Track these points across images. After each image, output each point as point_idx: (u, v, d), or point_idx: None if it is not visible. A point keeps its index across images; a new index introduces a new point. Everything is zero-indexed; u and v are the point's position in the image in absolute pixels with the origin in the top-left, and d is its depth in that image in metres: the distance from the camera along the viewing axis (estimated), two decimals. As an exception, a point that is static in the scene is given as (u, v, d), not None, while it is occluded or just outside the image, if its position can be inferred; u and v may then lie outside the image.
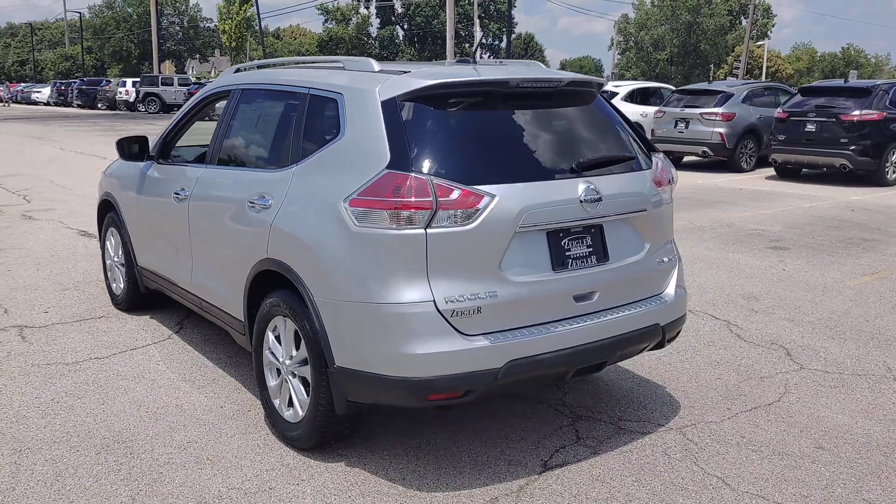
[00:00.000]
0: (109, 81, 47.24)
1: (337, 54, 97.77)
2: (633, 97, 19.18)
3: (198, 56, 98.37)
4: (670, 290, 3.94)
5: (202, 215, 4.47)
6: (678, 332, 4.07)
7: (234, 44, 47.49)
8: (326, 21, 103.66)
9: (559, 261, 3.45)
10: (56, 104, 51.36)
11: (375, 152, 3.30)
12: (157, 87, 41.28)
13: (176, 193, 4.73)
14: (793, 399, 4.45)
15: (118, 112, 41.90)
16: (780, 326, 5.76)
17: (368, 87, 3.50)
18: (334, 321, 3.35)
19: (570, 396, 4.43)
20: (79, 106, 46.81)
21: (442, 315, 3.18)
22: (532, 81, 3.60)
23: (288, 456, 3.70)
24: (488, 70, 3.76)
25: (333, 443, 3.72)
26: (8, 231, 9.05)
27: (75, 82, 50.91)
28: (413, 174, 3.18)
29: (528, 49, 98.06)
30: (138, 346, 5.18)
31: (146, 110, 40.59)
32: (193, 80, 46.65)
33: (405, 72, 3.54)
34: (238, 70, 4.88)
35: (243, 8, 46.09)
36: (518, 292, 3.32)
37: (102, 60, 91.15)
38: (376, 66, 3.68)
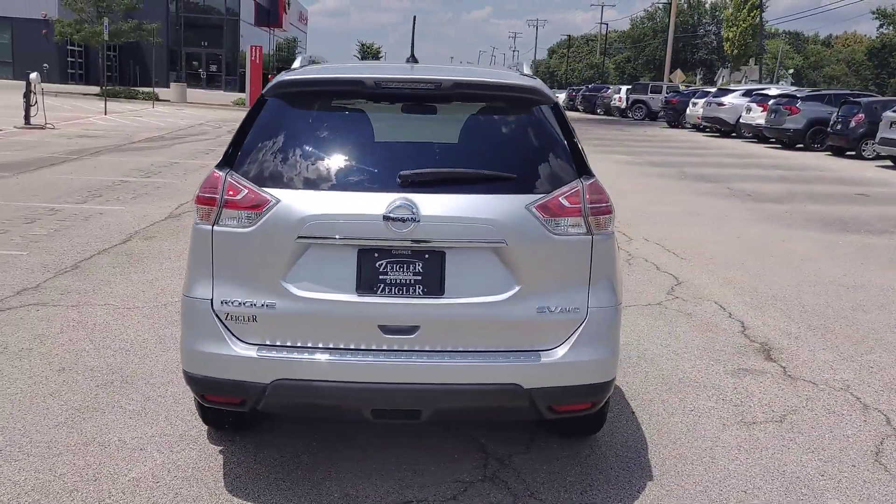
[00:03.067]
0: (608, 88, 49.73)
1: (889, 63, 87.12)
2: None
3: (729, 65, 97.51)
4: (560, 348, 3.11)
5: None
6: (584, 406, 3.24)
7: (735, 52, 46.00)
8: (882, 26, 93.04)
9: (366, 284, 3.05)
10: (566, 108, 56.71)
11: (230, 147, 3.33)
12: (646, 94, 42.18)
13: None
14: (801, 547, 3.10)
15: (611, 118, 43.98)
16: (976, 457, 3.90)
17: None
18: None
19: (522, 456, 3.75)
20: (581, 110, 50.44)
21: (217, 316, 3.11)
22: (397, 82, 3.21)
23: (173, 425, 3.91)
24: (402, 70, 3.43)
25: (226, 427, 3.83)
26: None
27: (582, 88, 55.05)
28: (217, 170, 3.16)
29: None
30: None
31: (632, 117, 41.92)
32: (715, 88, 44.25)
33: (294, 69, 3.47)
34: None
35: (751, 14, 44.27)
36: (301, 308, 3.05)
37: (636, 69, 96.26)
38: (296, 63, 3.65)
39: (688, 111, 33.09)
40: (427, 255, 3.06)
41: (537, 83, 3.36)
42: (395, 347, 3.06)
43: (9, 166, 12.75)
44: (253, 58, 33.23)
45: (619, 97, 44.34)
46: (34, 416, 3.99)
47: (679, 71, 47.97)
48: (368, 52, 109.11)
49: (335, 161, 3.19)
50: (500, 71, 3.66)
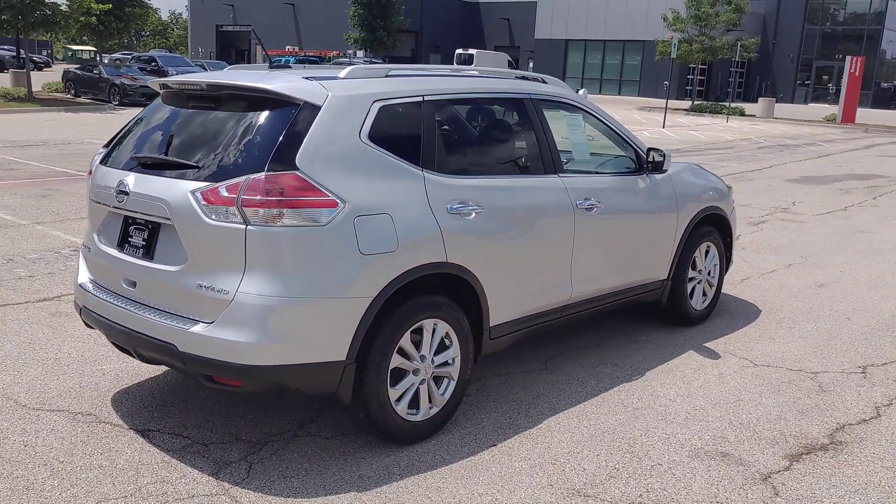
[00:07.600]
0: None
1: None
2: None
3: None
4: (211, 324, 3.37)
5: None
6: (235, 384, 3.40)
7: None
8: None
9: (120, 242, 3.80)
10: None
11: None
12: None
13: None
14: None
15: None
16: None
17: None
18: None
19: (318, 440, 3.81)
20: None
21: (81, 252, 4.17)
22: (182, 84, 3.87)
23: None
24: (238, 74, 4.06)
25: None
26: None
27: None
28: (101, 147, 4.18)
29: None
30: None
31: None
32: None
33: None
34: None
35: None
36: (96, 255, 3.95)
37: None
38: None
39: None
40: (150, 226, 3.66)
41: (279, 86, 3.53)
42: (128, 296, 3.74)
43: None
44: (852, 69, 30.41)
45: None
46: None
47: None
48: None
49: (125, 145, 3.98)
50: (269, 73, 3.86)
